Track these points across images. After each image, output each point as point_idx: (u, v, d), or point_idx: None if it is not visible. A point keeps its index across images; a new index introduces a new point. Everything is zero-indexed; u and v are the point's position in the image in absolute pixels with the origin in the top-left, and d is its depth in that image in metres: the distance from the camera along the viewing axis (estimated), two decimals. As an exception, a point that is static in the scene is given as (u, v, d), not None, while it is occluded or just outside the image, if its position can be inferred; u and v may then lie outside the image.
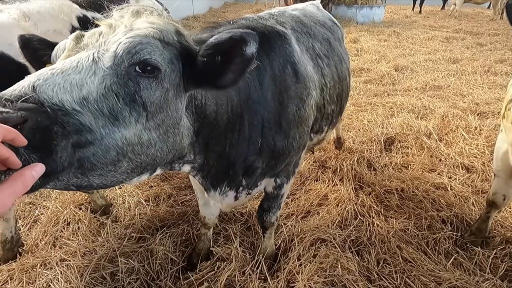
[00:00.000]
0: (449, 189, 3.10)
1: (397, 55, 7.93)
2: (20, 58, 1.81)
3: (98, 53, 1.00)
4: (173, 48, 1.14)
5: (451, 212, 2.81)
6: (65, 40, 1.12)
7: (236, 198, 1.86)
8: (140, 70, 1.03)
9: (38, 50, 1.26)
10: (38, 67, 1.24)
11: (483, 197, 2.95)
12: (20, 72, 1.80)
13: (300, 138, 1.82)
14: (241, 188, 1.82)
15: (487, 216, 2.47)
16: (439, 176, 3.32)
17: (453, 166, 3.48)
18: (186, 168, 1.50)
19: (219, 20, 1.88)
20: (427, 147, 3.80)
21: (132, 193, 3.11)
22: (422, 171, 3.41)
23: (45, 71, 0.92)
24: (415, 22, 13.22)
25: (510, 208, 2.84)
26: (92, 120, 0.92)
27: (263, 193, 2.15)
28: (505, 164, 2.12)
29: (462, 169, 3.43)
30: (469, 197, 2.98)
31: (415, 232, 2.62)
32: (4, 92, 0.83)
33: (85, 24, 2.15)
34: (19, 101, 0.80)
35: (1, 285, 2.24)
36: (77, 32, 1.11)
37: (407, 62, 7.26)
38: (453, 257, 2.40)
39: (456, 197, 3.00)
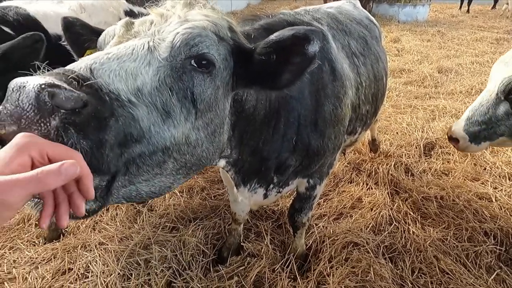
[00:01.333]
0: (493, 200, 2.92)
1: (441, 56, 7.56)
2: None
3: (153, 42, 0.94)
4: (227, 45, 1.10)
5: (495, 224, 2.65)
6: (113, 26, 1.09)
7: (265, 196, 1.83)
8: (195, 64, 0.98)
9: (81, 35, 1.26)
10: (78, 52, 1.26)
11: (532, 211, 2.75)
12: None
13: (336, 138, 1.78)
14: (271, 186, 1.80)
15: (536, 232, 2.31)
16: (483, 185, 3.14)
17: (499, 176, 3.27)
18: (222, 162, 1.49)
19: (257, 15, 1.87)
20: (471, 154, 3.60)
21: (167, 184, 3.20)
22: (464, 179, 3.23)
23: (100, 54, 0.87)
24: (462, 22, 12.53)
25: (562, 225, 2.64)
26: (144, 116, 0.85)
27: (295, 193, 2.13)
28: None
29: (509, 179, 3.22)
30: (516, 210, 2.80)
31: (454, 243, 2.50)
32: (65, 68, 0.79)
33: (132, 17, 2.24)
34: (82, 83, 0.74)
35: (45, 263, 2.39)
36: (127, 19, 1.08)
37: (452, 64, 6.91)
38: (496, 272, 2.26)
39: (501, 209, 2.82)
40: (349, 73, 1.86)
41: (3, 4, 1.92)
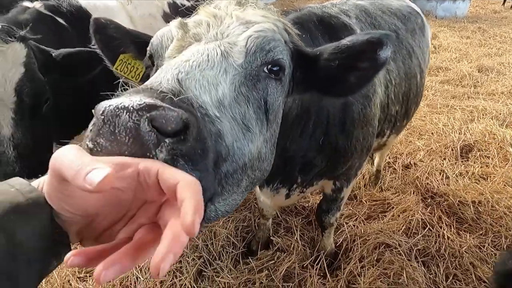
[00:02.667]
0: (536, 208, 2.78)
1: (482, 55, 7.19)
2: None
3: (223, 46, 0.86)
4: (288, 49, 1.02)
5: (537, 234, 2.53)
6: (164, 29, 0.98)
7: (287, 196, 1.78)
8: (267, 71, 0.91)
9: (114, 39, 1.18)
10: (109, 56, 1.19)
11: None
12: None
13: (364, 139, 1.69)
14: (294, 186, 1.74)
15: None
16: (525, 192, 2.99)
17: (543, 183, 3.10)
18: None
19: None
20: (511, 159, 3.43)
21: (198, 175, 3.26)
22: (505, 185, 3.09)
23: (180, 62, 0.78)
24: (506, 18, 11.84)
25: None
26: (228, 131, 0.75)
27: (322, 194, 2.10)
28: None
29: (553, 187, 3.05)
30: (561, 220, 2.65)
31: (492, 251, 2.40)
32: (150, 82, 0.70)
33: (174, 9, 2.28)
34: (176, 98, 0.63)
35: (84, 244, 2.51)
36: (179, 20, 0.98)
37: (493, 62, 6.56)
38: (537, 284, 2.16)
39: (544, 218, 2.68)
40: None
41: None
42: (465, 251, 2.38)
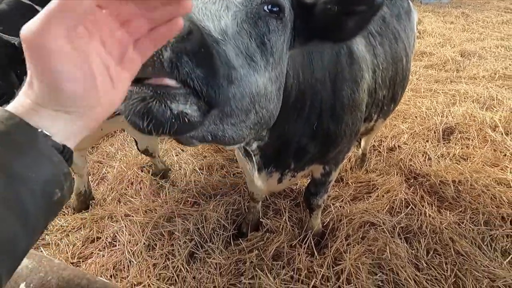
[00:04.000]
0: (512, 186, 2.92)
1: (464, 40, 7.32)
2: None
3: None
4: None
5: (512, 210, 2.67)
6: None
7: (280, 180, 1.83)
8: (267, 10, 0.97)
9: None
10: None
11: (552, 198, 2.75)
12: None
13: (353, 124, 1.73)
14: (287, 171, 1.79)
15: (555, 218, 2.31)
16: (502, 171, 3.12)
17: (519, 163, 3.25)
18: (254, 145, 1.50)
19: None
20: (491, 140, 3.56)
21: (188, 161, 3.30)
22: (483, 165, 3.22)
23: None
24: (488, 3, 12.00)
25: None
26: (233, 56, 0.83)
27: (311, 176, 2.16)
28: None
29: (529, 166, 3.20)
30: (535, 197, 2.79)
31: (471, 227, 2.53)
32: None
33: None
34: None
35: (75, 231, 2.54)
36: None
37: (475, 47, 6.69)
38: (511, 255, 2.30)
39: (520, 195, 2.83)
40: (365, 55, 1.77)
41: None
42: (445, 228, 2.50)
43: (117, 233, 2.49)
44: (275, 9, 0.99)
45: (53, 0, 0.47)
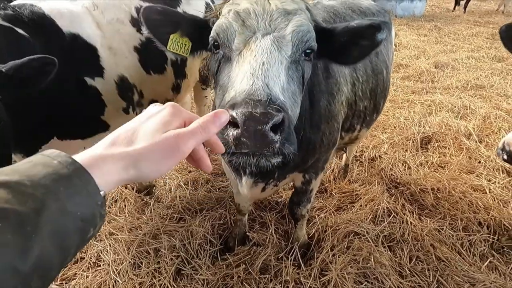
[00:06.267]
0: (487, 191, 3.04)
1: (438, 51, 7.66)
2: (91, 40, 1.99)
3: (276, 41, 1.14)
4: (312, 29, 1.26)
5: (488, 215, 2.77)
6: (224, 21, 1.21)
7: (263, 189, 1.90)
8: (304, 55, 1.21)
9: (161, 24, 1.34)
10: (160, 39, 1.37)
11: (524, 203, 2.88)
12: (90, 52, 1.98)
13: (330, 134, 1.82)
14: (271, 180, 1.85)
15: (527, 222, 2.43)
16: (478, 178, 3.26)
17: (493, 169, 3.39)
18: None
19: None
20: (466, 148, 3.72)
21: (172, 177, 3.28)
22: (460, 172, 3.35)
23: (257, 65, 1.07)
24: (458, 17, 12.62)
25: (552, 216, 2.77)
26: (289, 107, 1.08)
27: (293, 187, 2.21)
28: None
29: (502, 172, 3.34)
30: (509, 201, 2.92)
31: (450, 233, 2.62)
32: (242, 88, 1.00)
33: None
34: (268, 103, 0.94)
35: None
36: (234, 11, 1.20)
37: (448, 59, 7.01)
38: (489, 260, 2.39)
39: (495, 200, 2.95)
40: (343, 69, 1.88)
41: (17, 2, 1.94)
42: (426, 235, 2.57)
43: (101, 253, 2.45)
44: (309, 51, 1.23)
45: (199, 128, 0.70)
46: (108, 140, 0.66)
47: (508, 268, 2.33)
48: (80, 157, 0.61)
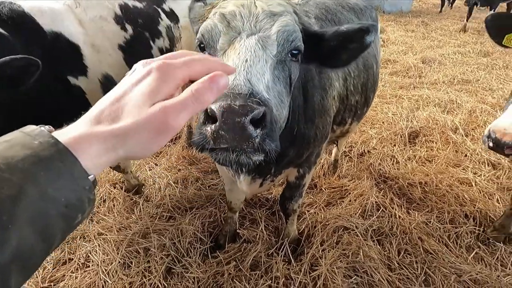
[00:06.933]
0: (473, 184, 3.10)
1: (425, 47, 7.74)
2: (73, 38, 1.96)
3: (261, 40, 1.13)
4: (299, 29, 1.26)
5: (474, 207, 2.83)
6: (210, 23, 1.20)
7: (261, 184, 1.92)
8: (290, 55, 1.20)
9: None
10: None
11: (509, 194, 2.93)
12: (73, 50, 1.95)
13: (323, 128, 1.85)
14: (268, 176, 1.88)
15: (511, 212, 2.48)
16: (464, 171, 3.31)
17: (479, 162, 3.45)
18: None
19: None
20: (452, 142, 3.77)
21: (162, 175, 3.27)
22: (447, 166, 3.40)
23: (241, 63, 1.06)
24: (445, 12, 12.77)
25: (536, 206, 2.83)
26: (274, 106, 1.07)
27: (286, 182, 2.22)
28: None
29: (488, 165, 3.40)
30: (494, 194, 2.98)
31: (437, 225, 2.66)
32: (232, 87, 0.97)
33: (126, 11, 2.27)
34: (248, 97, 0.92)
35: (45, 254, 2.44)
36: (220, 13, 1.20)
37: (435, 54, 7.09)
38: (475, 251, 2.43)
39: (480, 193, 3.00)
40: None
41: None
42: (414, 228, 2.61)
43: (90, 253, 2.42)
44: (295, 52, 1.22)
45: (191, 97, 0.60)
46: (92, 115, 0.59)
47: (494, 258, 2.38)
48: (64, 137, 0.55)
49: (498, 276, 2.23)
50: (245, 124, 0.86)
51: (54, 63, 1.85)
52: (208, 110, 0.86)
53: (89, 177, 0.56)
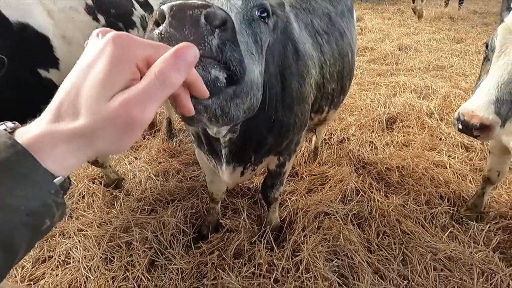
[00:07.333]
0: (448, 167, 3.21)
1: (401, 34, 7.86)
2: (42, 29, 1.89)
3: None
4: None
5: (449, 188, 2.93)
6: None
7: (242, 173, 1.92)
8: (258, 13, 1.14)
9: None
10: None
11: (481, 175, 3.05)
12: (42, 42, 1.88)
13: (302, 115, 1.87)
14: (248, 164, 1.89)
15: (482, 192, 2.59)
16: (439, 154, 3.42)
17: (453, 145, 3.57)
18: (227, 137, 1.56)
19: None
20: (428, 126, 3.88)
21: (142, 169, 3.23)
22: (423, 150, 3.50)
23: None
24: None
25: (505, 186, 2.96)
26: (241, 47, 0.97)
27: (267, 170, 2.24)
28: (498, 141, 2.21)
29: (461, 148, 3.53)
30: (467, 175, 3.10)
31: (414, 207, 2.75)
32: None
33: (98, 1, 2.20)
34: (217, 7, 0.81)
35: (24, 253, 2.38)
36: None
37: (411, 41, 7.22)
38: (449, 230, 2.53)
39: (454, 174, 3.12)
40: (312, 53, 1.91)
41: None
42: (392, 210, 2.69)
43: (70, 250, 2.39)
44: (263, 14, 1.17)
45: (154, 82, 0.51)
46: (52, 109, 0.52)
47: (467, 236, 2.49)
48: (24, 136, 0.50)
49: (471, 252, 2.33)
50: (199, 17, 0.74)
51: (23, 56, 1.79)
52: (157, 14, 0.76)
53: (55, 180, 0.51)
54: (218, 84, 0.86)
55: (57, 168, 0.51)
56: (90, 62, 0.52)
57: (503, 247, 2.40)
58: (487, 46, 1.73)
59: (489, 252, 2.34)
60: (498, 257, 2.31)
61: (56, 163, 0.50)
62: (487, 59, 1.75)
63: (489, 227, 2.53)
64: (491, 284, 2.14)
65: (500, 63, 1.63)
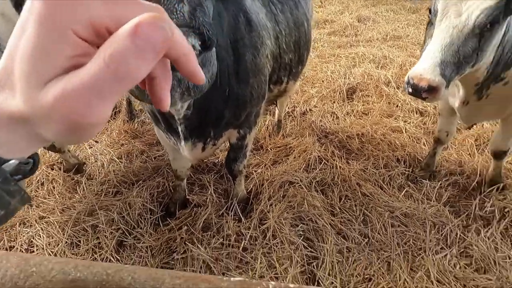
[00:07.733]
0: (404, 131, 3.38)
1: (360, 6, 7.96)
2: None
3: None
4: None
5: (404, 151, 3.11)
6: None
7: (203, 149, 1.92)
8: None
9: None
10: None
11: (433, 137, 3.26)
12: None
13: (259, 87, 1.86)
14: (208, 139, 1.89)
15: (434, 152, 2.77)
16: (396, 120, 3.59)
17: (409, 111, 3.75)
18: (182, 114, 1.56)
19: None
20: (385, 94, 4.03)
21: (104, 152, 3.14)
22: (381, 117, 3.65)
23: None
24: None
25: (454, 145, 3.18)
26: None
27: (229, 144, 2.26)
28: (446, 103, 2.36)
29: (416, 113, 3.71)
30: (421, 138, 3.28)
31: (373, 171, 2.90)
32: None
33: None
34: None
35: (-18, 245, 2.29)
36: None
37: (370, 12, 7.35)
38: (405, 189, 2.70)
39: (410, 138, 3.29)
40: (266, 23, 1.89)
41: None
42: (352, 176, 2.82)
43: (33, 238, 2.32)
44: None
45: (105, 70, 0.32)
46: None
47: (421, 194, 2.67)
48: None
49: (424, 208, 2.52)
50: None
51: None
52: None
53: (4, 166, 0.42)
54: (196, 53, 0.82)
55: (4, 151, 0.40)
56: (23, 21, 0.35)
57: (453, 201, 2.61)
58: (430, 11, 1.80)
59: (440, 206, 2.53)
60: (448, 210, 2.51)
61: (1, 147, 0.40)
62: (430, 24, 1.82)
63: (440, 184, 2.73)
64: (441, 234, 2.33)
65: (442, 27, 1.71)
